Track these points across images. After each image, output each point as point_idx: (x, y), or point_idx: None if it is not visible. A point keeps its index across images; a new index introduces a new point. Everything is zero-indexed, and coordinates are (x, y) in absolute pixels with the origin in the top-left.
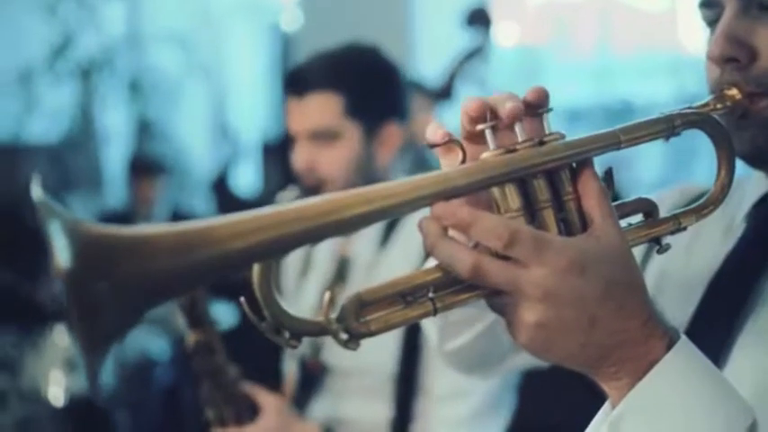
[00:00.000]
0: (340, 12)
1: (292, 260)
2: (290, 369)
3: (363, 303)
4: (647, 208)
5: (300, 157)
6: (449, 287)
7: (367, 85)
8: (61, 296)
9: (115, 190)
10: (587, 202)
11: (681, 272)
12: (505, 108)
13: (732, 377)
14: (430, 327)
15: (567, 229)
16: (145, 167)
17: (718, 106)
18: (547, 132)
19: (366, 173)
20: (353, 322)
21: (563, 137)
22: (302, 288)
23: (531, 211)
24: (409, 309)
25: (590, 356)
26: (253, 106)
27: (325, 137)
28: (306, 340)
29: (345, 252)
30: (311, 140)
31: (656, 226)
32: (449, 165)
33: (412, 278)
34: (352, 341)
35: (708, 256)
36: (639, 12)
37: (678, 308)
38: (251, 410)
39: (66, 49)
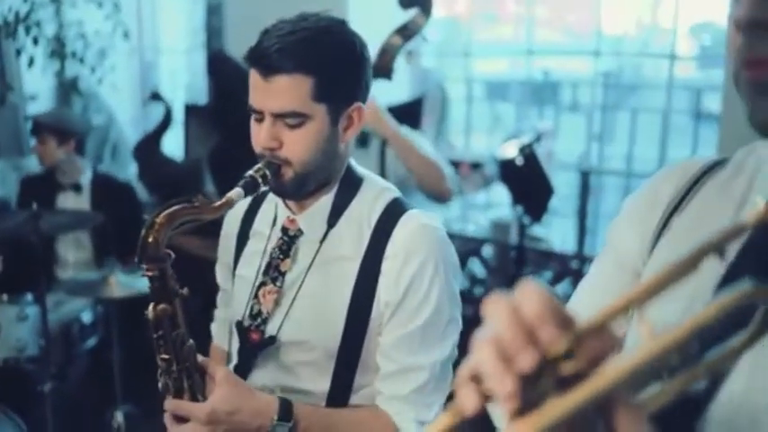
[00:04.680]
0: None
1: (231, 229)
2: (220, 337)
3: None
4: (685, 352)
5: (265, 136)
6: None
7: (337, 68)
8: None
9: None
10: (618, 420)
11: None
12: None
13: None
14: None
15: None
16: (48, 129)
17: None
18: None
19: (329, 153)
20: None
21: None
22: (245, 258)
23: None
24: None
25: None
26: (179, 70)
27: (292, 119)
28: (247, 311)
29: (293, 227)
30: (277, 120)
31: (692, 374)
32: None
33: None
34: None
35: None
36: None
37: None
38: (203, 381)
39: None
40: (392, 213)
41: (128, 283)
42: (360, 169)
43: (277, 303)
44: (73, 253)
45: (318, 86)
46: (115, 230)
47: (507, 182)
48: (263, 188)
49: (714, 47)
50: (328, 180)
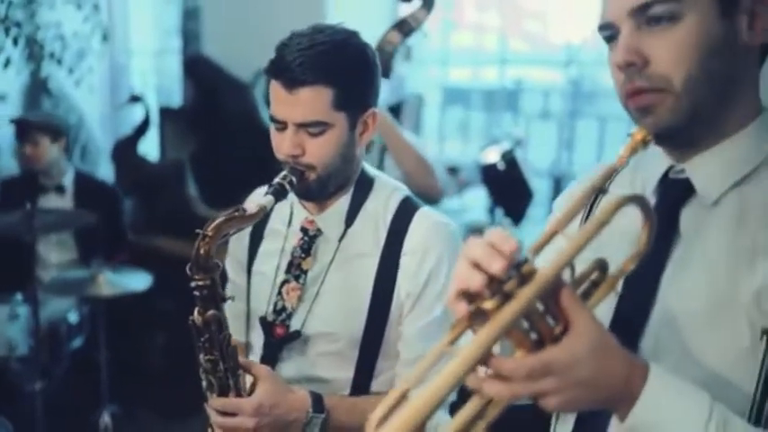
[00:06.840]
0: None
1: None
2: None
3: None
4: (601, 265)
5: (288, 144)
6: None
7: (355, 77)
8: None
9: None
10: (565, 306)
11: (617, 226)
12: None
13: (662, 300)
14: None
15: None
16: (40, 127)
17: (631, 151)
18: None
19: (348, 157)
20: None
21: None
22: (262, 256)
23: (530, 324)
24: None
25: (597, 402)
26: (149, 72)
27: (314, 127)
28: (270, 307)
29: (312, 227)
30: (300, 129)
31: (611, 281)
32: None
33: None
34: None
35: (633, 216)
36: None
37: (621, 253)
38: (243, 380)
39: None
40: (405, 212)
41: (116, 281)
42: (370, 169)
43: (300, 299)
44: (56, 254)
45: (338, 96)
46: (100, 231)
47: (489, 186)
48: (290, 193)
49: None
50: (346, 182)
